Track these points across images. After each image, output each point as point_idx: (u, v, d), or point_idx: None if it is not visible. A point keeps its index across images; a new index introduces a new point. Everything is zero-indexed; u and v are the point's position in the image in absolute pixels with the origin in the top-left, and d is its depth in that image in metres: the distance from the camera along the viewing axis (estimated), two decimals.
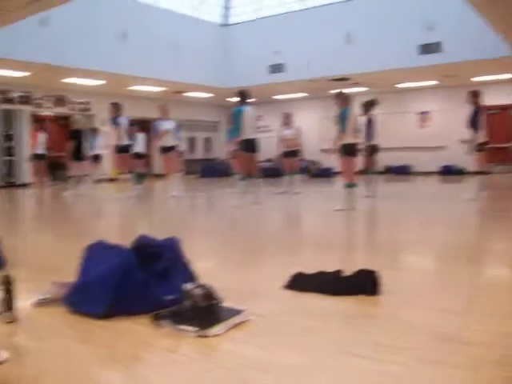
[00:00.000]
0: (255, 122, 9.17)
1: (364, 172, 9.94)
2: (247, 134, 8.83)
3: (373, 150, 9.88)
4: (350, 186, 7.92)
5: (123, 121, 10.69)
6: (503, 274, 3.99)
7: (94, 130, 13.72)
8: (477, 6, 8.80)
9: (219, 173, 18.33)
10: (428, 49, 13.41)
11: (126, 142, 10.75)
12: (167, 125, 10.59)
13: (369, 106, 9.86)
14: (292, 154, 11.27)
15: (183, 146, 13.17)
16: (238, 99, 9.09)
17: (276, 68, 16.10)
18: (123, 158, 10.96)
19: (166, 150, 10.61)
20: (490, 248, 5.09)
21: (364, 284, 3.18)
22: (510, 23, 9.59)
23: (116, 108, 10.72)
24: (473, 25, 11.15)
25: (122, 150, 10.71)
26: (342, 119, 7.84)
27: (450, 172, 16.77)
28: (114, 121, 10.60)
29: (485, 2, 8.35)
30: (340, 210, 7.66)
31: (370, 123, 9.75)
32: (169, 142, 10.56)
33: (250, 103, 9.21)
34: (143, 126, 15.35)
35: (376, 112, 10.08)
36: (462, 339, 2.41)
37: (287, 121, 11.52)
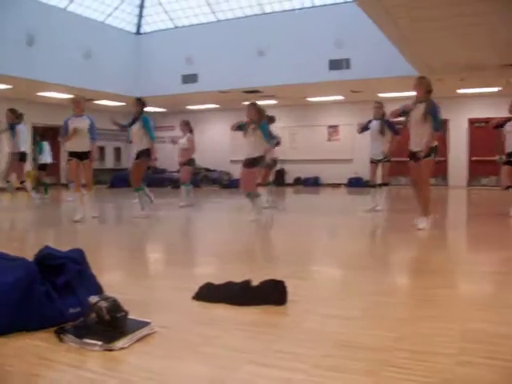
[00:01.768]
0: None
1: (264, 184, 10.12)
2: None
3: (272, 162, 10.08)
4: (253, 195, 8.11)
5: (22, 128, 10.25)
6: (400, 281, 4.20)
7: None
8: (382, 28, 9.29)
9: (129, 183, 17.99)
10: (337, 65, 13.89)
11: (21, 149, 10.33)
12: (79, 122, 8.06)
13: (269, 121, 10.07)
14: (182, 163, 10.94)
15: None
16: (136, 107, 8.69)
17: (189, 78, 16.08)
18: (19, 166, 10.46)
19: (76, 155, 8.15)
20: (391, 257, 5.32)
21: (271, 294, 3.24)
22: (412, 46, 10.18)
23: (14, 114, 10.25)
24: (380, 44, 11.66)
25: (18, 157, 10.27)
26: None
27: (357, 184, 17.41)
28: (12, 127, 10.13)
29: (391, 24, 8.82)
30: (254, 220, 7.79)
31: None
32: (80, 145, 8.06)
33: (147, 112, 8.95)
34: (50, 133, 14.82)
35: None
36: (362, 345, 2.51)
37: (182, 129, 11.06)
